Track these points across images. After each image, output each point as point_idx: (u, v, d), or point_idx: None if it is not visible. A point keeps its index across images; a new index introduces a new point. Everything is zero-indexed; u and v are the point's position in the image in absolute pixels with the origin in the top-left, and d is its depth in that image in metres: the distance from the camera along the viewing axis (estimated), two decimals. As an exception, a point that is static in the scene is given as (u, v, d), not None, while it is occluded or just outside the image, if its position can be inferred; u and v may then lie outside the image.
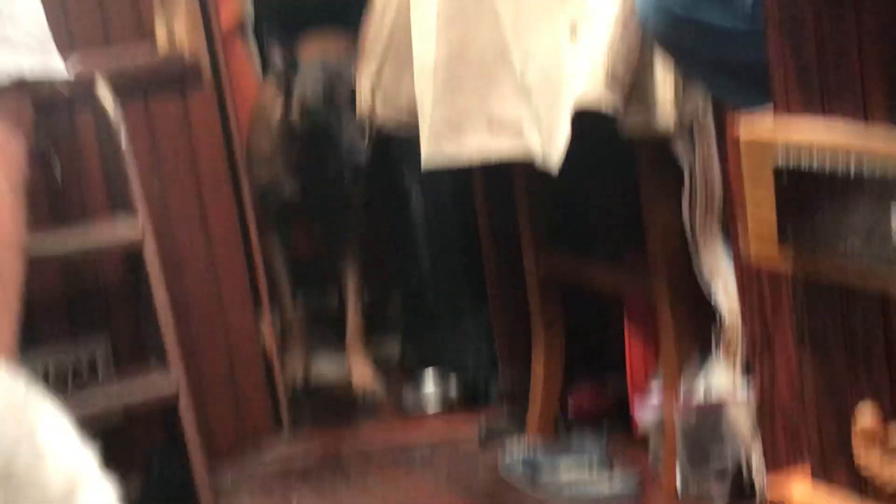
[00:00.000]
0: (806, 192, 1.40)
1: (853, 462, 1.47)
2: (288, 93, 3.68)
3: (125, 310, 3.34)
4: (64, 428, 1.45)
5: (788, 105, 1.45)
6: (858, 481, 1.48)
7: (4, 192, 2.16)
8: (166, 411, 3.18)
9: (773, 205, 1.44)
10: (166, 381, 3.04)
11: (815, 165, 1.39)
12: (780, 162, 1.42)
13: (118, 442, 3.27)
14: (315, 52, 3.87)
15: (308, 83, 3.66)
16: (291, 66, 3.68)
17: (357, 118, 3.25)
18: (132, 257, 3.18)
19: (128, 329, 3.35)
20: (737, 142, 1.48)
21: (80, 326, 3.32)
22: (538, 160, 2.75)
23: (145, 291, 3.11)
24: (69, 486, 1.39)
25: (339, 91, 3.62)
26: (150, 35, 3.38)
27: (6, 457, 1.32)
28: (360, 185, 3.90)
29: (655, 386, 2.93)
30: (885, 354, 1.42)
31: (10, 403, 1.35)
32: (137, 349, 3.32)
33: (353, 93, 3.49)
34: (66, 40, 3.30)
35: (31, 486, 1.34)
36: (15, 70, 2.07)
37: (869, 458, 1.44)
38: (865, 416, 1.44)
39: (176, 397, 3.03)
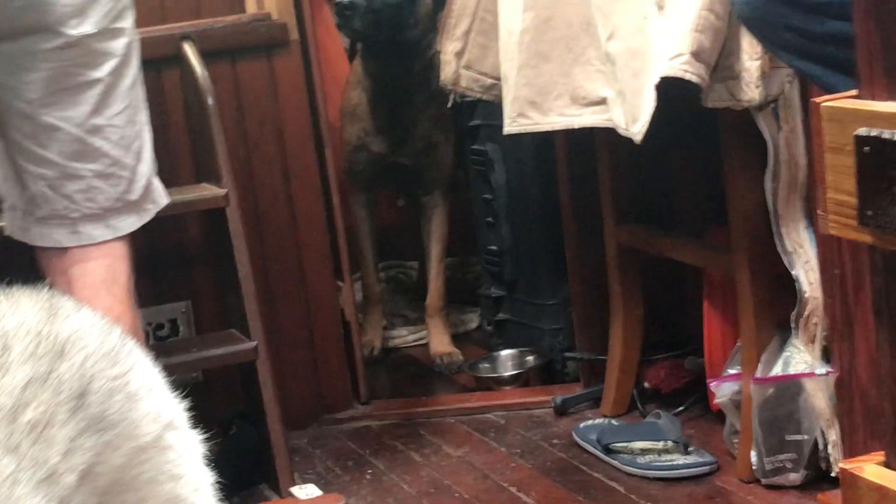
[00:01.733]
0: (887, 164, 1.39)
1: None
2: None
3: (209, 273, 3.38)
4: (155, 376, 1.50)
5: (873, 86, 1.43)
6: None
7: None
8: (245, 374, 3.21)
9: (854, 174, 1.43)
10: (246, 344, 3.07)
11: (896, 136, 1.38)
12: (862, 131, 1.41)
13: (199, 402, 3.31)
14: None
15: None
16: None
17: (441, 83, 3.24)
18: (216, 223, 3.21)
19: (209, 294, 3.39)
20: (818, 111, 1.47)
21: (165, 290, 3.37)
22: (622, 130, 2.75)
23: (228, 255, 3.14)
24: (159, 428, 1.43)
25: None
26: (239, 5, 3.43)
27: (102, 396, 1.36)
28: (450, 152, 3.92)
29: (734, 363, 2.93)
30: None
31: (107, 349, 1.40)
32: (219, 313, 3.36)
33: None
34: (157, 13, 3.36)
35: (124, 426, 1.38)
36: None
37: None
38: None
39: (255, 360, 3.06)
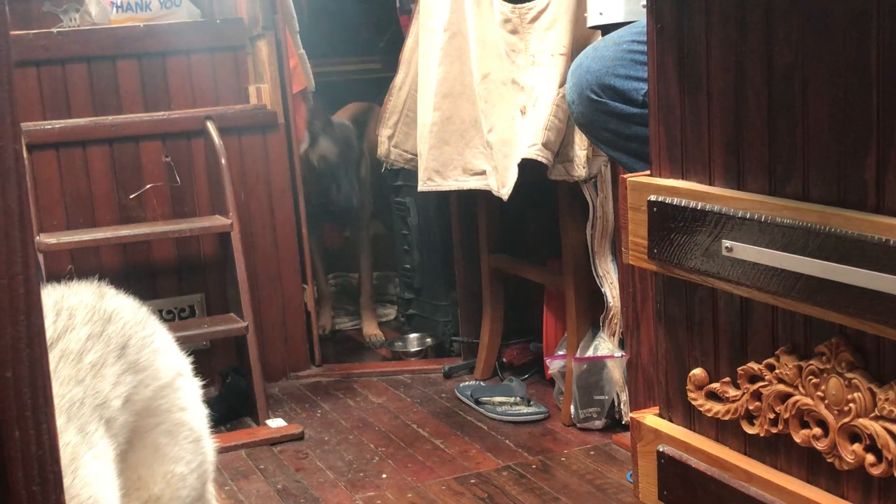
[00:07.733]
0: (667, 220, 1.42)
1: (687, 404, 1.48)
2: (313, 142, 3.70)
3: (217, 276, 3.34)
4: (170, 339, 1.48)
5: (660, 169, 1.46)
6: (689, 417, 1.50)
7: None
8: (238, 343, 3.17)
9: (646, 226, 1.45)
10: (240, 323, 3.03)
11: (674, 202, 1.40)
12: (652, 197, 1.43)
13: (207, 361, 3.28)
14: (340, 115, 3.86)
15: (323, 144, 3.68)
16: (324, 124, 3.70)
17: (378, 156, 3.24)
18: (224, 242, 3.17)
19: (217, 289, 3.35)
20: (625, 183, 1.49)
21: (186, 285, 3.31)
22: (495, 192, 2.76)
23: (230, 264, 3.10)
24: (173, 374, 1.41)
25: (344, 150, 3.64)
26: (245, 97, 3.39)
27: (136, 349, 1.34)
28: (369, 204, 3.91)
29: (562, 347, 2.95)
30: (711, 332, 1.43)
31: (139, 317, 1.38)
32: (223, 302, 3.32)
33: (351, 149, 3.59)
34: (189, 100, 3.31)
35: (150, 371, 1.36)
36: None
37: (697, 400, 1.46)
38: (696, 374, 1.45)
39: (246, 334, 3.02)
